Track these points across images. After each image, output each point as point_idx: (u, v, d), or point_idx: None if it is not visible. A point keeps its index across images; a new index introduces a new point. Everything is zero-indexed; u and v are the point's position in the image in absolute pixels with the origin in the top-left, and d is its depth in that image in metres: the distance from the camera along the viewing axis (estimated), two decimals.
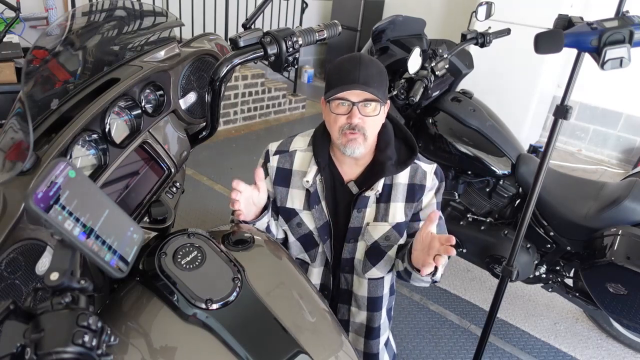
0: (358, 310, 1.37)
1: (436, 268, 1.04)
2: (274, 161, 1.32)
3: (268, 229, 1.27)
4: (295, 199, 1.30)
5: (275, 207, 1.33)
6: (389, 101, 1.24)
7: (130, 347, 0.73)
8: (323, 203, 1.28)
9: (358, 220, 1.27)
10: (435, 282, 1.21)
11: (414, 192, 1.26)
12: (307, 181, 1.26)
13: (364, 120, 1.16)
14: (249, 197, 1.14)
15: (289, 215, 1.31)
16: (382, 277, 1.33)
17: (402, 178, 1.26)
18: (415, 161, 1.28)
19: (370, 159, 1.27)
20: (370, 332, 1.38)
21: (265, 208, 1.21)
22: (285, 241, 1.36)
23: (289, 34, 0.99)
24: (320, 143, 1.28)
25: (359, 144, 1.18)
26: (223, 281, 0.82)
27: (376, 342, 1.40)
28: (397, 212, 1.26)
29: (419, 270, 1.12)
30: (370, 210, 1.26)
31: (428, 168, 1.28)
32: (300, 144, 1.32)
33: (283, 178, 1.31)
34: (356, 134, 1.17)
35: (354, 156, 1.21)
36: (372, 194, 1.24)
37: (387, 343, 1.47)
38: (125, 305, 0.81)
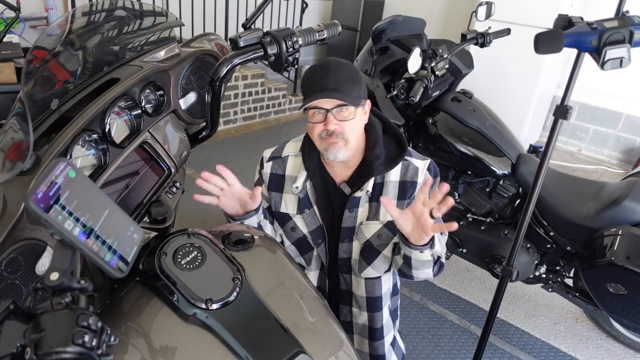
0: (359, 311, 1.37)
1: (432, 238, 1.04)
2: (267, 167, 1.34)
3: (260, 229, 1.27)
4: (288, 204, 1.31)
5: (271, 211, 1.34)
6: (368, 101, 1.23)
7: (130, 347, 0.73)
8: (315, 207, 1.29)
9: (351, 220, 1.27)
10: (438, 258, 1.17)
11: (406, 189, 1.25)
12: (297, 187, 1.27)
13: (341, 125, 1.16)
14: (237, 193, 1.14)
15: (283, 220, 1.33)
16: (379, 277, 1.32)
17: (394, 176, 1.26)
18: (407, 158, 1.27)
19: (360, 159, 1.27)
20: (373, 332, 1.38)
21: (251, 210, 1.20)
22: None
23: (289, 34, 0.98)
24: (308, 148, 1.29)
25: (339, 148, 1.18)
26: (223, 281, 0.82)
27: (381, 343, 1.39)
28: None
29: (420, 248, 1.10)
30: (362, 210, 1.26)
31: (420, 164, 1.27)
32: (292, 149, 1.34)
33: (276, 184, 1.32)
34: (335, 139, 1.17)
35: (338, 160, 1.21)
36: (362, 194, 1.24)
37: (394, 343, 1.46)
38: (125, 305, 0.81)
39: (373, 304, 1.35)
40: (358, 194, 1.24)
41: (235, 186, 1.13)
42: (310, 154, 1.29)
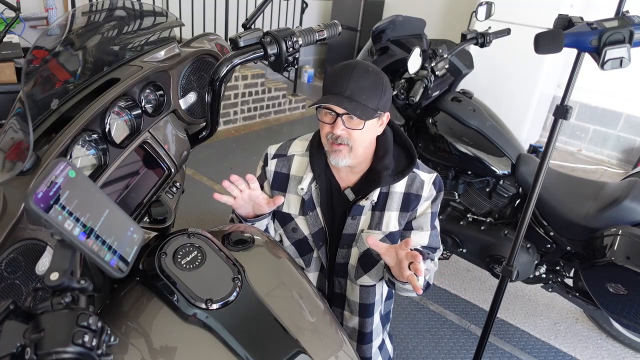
0: (351, 315, 1.36)
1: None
2: (272, 165, 1.31)
3: (267, 230, 1.28)
4: (291, 204, 1.30)
5: (273, 210, 1.33)
6: (387, 113, 1.21)
7: (130, 347, 0.73)
8: (318, 210, 1.27)
9: (352, 227, 1.26)
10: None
11: (410, 201, 1.24)
12: (302, 188, 1.26)
13: (349, 132, 1.14)
14: (254, 197, 1.15)
15: (284, 220, 1.31)
16: (374, 285, 1.31)
17: (399, 187, 1.24)
18: (414, 170, 1.25)
19: (367, 166, 1.26)
20: (363, 337, 1.37)
21: (263, 214, 1.22)
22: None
23: (289, 34, 0.98)
24: (316, 150, 1.27)
25: (343, 156, 1.17)
26: (223, 281, 0.82)
27: (369, 346, 1.39)
28: (391, 221, 1.25)
29: (401, 282, 1.11)
30: (365, 218, 1.25)
31: (427, 177, 1.26)
32: (298, 148, 1.32)
33: (280, 182, 1.31)
34: (340, 146, 1.15)
35: (340, 166, 1.20)
36: (367, 203, 1.22)
37: (381, 347, 1.45)
38: (125, 305, 0.81)
39: (365, 310, 1.34)
40: (363, 202, 1.22)
41: (256, 191, 1.14)
42: (318, 155, 1.27)
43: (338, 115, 1.13)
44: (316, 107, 1.16)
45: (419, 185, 1.24)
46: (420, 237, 1.26)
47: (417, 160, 1.27)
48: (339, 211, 1.29)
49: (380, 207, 1.24)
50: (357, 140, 1.16)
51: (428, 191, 1.25)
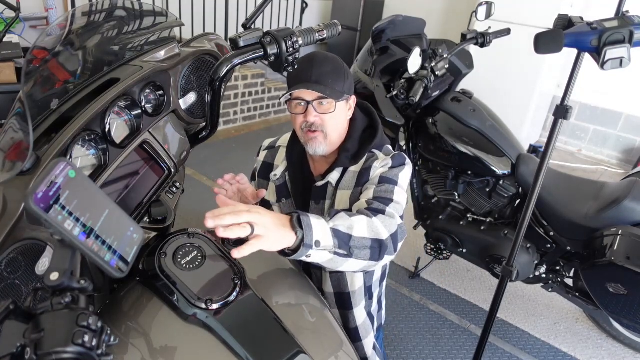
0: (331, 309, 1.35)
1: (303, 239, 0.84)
2: (261, 156, 1.42)
3: None
4: (270, 192, 1.36)
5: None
6: (353, 97, 1.24)
7: (130, 347, 0.74)
8: (292, 198, 1.32)
9: (318, 213, 1.25)
10: (348, 247, 0.89)
11: (362, 175, 1.22)
12: (275, 175, 1.33)
13: (322, 117, 1.17)
14: (242, 190, 1.20)
15: (264, 207, 1.34)
16: (343, 272, 1.28)
17: (355, 167, 1.25)
18: (375, 151, 1.24)
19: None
20: (349, 333, 1.34)
21: None
22: None
23: (289, 34, 0.98)
24: (293, 140, 1.32)
25: (319, 143, 1.19)
26: (223, 281, 0.82)
27: (360, 345, 1.36)
28: (342, 199, 1.24)
29: (291, 255, 0.85)
30: (330, 203, 1.26)
31: (383, 156, 1.23)
32: (285, 140, 1.38)
33: (265, 171, 1.38)
34: (316, 133, 1.18)
35: (318, 155, 1.23)
36: (323, 184, 1.23)
37: (375, 347, 1.42)
38: (125, 305, 0.81)
39: (342, 301, 1.31)
40: (319, 183, 1.24)
41: (244, 185, 1.21)
42: (294, 145, 1.31)
43: (308, 103, 1.16)
44: (285, 101, 1.19)
45: (374, 160, 1.23)
46: (366, 194, 1.18)
47: (387, 146, 1.27)
48: (309, 200, 1.30)
49: (338, 188, 1.25)
50: (331, 126, 1.18)
51: (382, 161, 1.21)
